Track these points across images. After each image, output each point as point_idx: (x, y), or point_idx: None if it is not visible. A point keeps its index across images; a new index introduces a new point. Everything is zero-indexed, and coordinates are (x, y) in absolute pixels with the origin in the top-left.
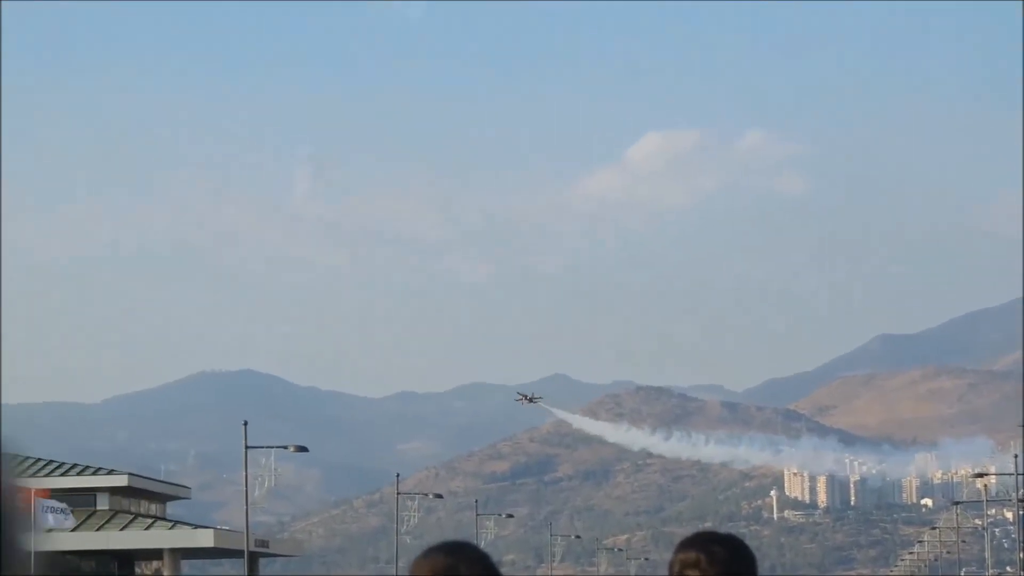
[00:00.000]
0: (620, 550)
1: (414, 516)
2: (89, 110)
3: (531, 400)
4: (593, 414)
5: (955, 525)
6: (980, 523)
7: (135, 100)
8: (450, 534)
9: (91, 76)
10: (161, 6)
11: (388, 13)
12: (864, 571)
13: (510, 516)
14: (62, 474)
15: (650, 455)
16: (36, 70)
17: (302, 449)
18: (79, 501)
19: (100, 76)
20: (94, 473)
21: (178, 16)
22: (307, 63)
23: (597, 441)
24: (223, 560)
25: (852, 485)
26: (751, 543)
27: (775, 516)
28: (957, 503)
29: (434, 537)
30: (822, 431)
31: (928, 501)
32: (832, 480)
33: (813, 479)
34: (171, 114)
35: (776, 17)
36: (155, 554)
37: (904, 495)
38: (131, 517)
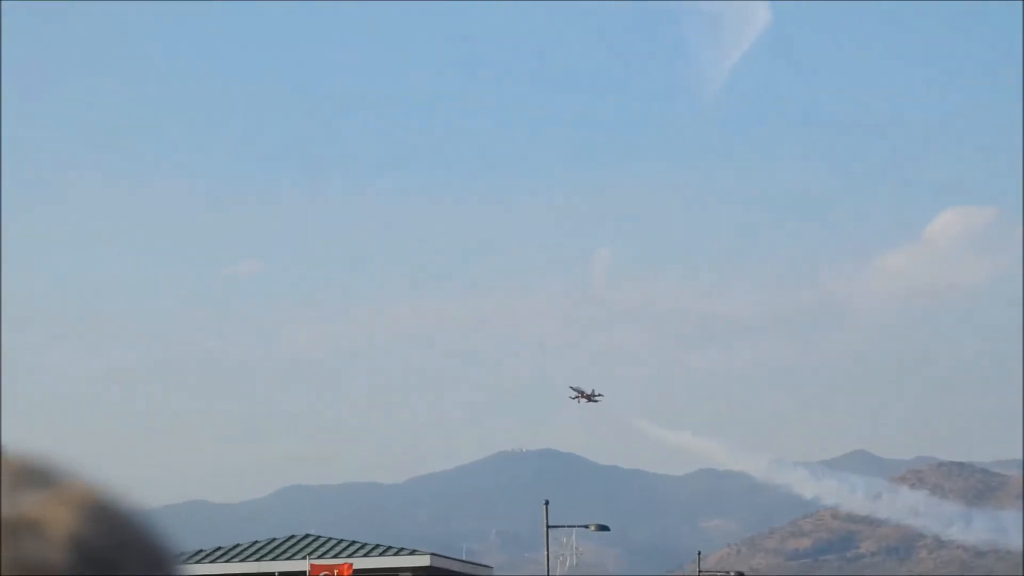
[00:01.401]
0: None
1: None
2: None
3: (590, 398)
4: (896, 490)
5: None
6: None
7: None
8: None
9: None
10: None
11: (681, 102)
12: None
13: None
14: (365, 555)
15: (954, 531)
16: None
17: (603, 528)
18: None
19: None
20: (396, 553)
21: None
22: (615, 156)
23: (901, 517)
24: None
25: None
26: None
27: None
28: None
29: None
30: None
31: None
32: None
33: None
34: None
35: None
36: None
37: None
38: None
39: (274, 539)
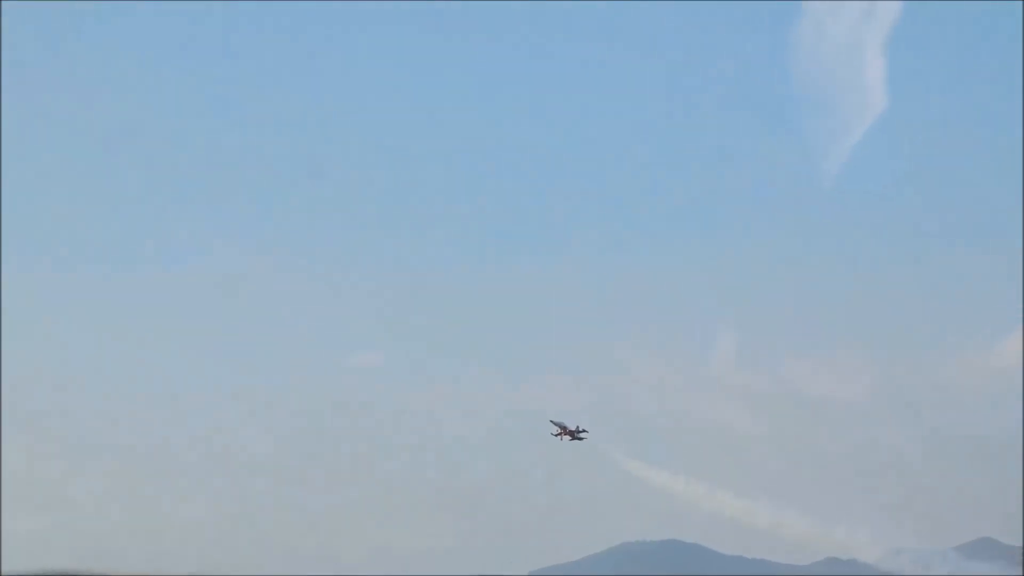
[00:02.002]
0: None
1: None
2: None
3: (574, 435)
4: None
5: None
6: None
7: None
8: None
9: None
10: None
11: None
12: None
13: None
14: None
15: None
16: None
17: None
18: None
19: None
20: None
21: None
22: (726, 232)
23: None
24: None
25: None
26: None
27: None
28: None
29: None
30: None
31: None
32: None
33: None
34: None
35: None
36: None
37: None
38: None
39: None
